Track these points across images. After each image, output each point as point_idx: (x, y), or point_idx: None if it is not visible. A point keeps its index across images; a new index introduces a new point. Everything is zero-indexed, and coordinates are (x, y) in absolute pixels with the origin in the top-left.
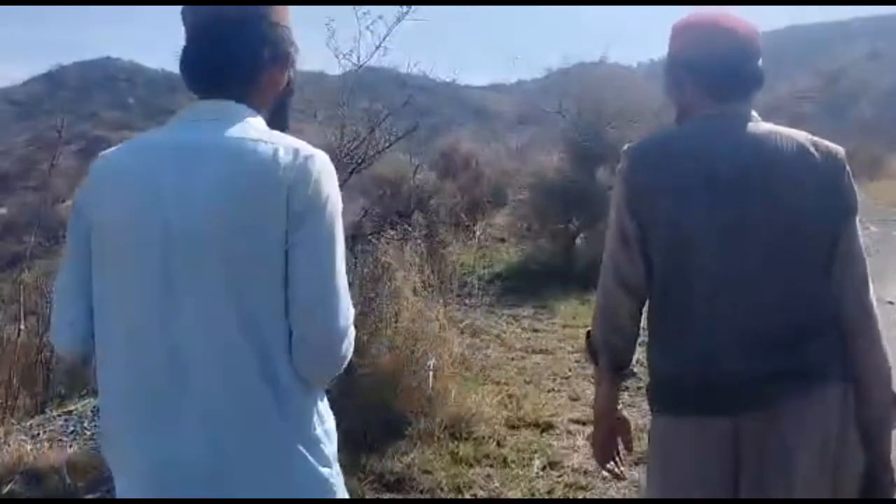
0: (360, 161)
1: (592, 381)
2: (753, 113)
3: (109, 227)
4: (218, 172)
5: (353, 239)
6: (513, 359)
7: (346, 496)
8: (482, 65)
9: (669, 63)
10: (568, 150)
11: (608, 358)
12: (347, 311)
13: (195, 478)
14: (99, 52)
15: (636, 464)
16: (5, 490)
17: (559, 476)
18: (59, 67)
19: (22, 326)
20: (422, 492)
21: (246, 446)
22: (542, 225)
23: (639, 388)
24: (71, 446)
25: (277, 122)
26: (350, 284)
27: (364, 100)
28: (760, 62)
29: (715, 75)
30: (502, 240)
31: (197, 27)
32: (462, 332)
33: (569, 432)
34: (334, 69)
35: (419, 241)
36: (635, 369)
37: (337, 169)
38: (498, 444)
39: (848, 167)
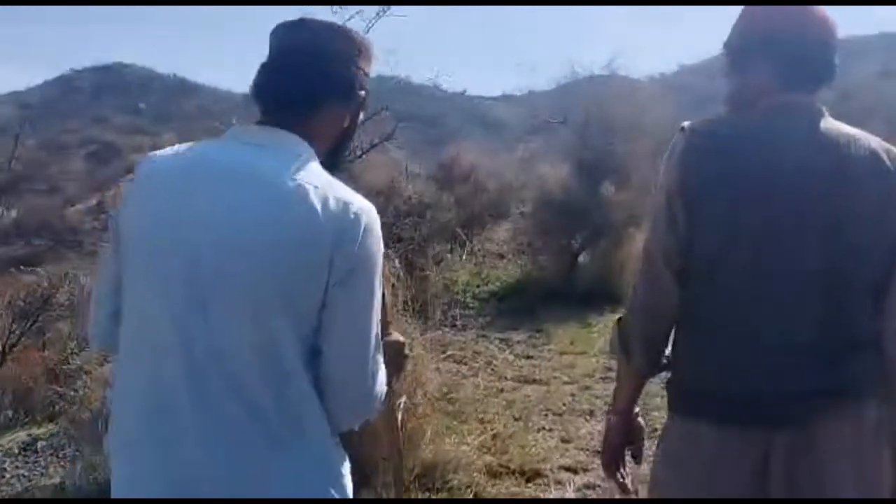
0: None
1: (589, 416)
2: (823, 108)
3: (141, 234)
4: (260, 207)
5: None
6: (502, 390)
7: None
8: (494, 76)
9: (738, 41)
10: (572, 163)
11: (645, 354)
12: (378, 366)
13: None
14: (112, 58)
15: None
16: None
17: None
18: (72, 72)
19: None
20: None
21: (268, 479)
22: (542, 241)
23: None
24: None
25: (332, 162)
26: None
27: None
28: (837, 59)
29: (794, 57)
30: (501, 255)
31: (276, 51)
32: (447, 359)
33: (557, 482)
34: None
35: (396, 258)
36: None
37: None
38: (475, 495)
39: None
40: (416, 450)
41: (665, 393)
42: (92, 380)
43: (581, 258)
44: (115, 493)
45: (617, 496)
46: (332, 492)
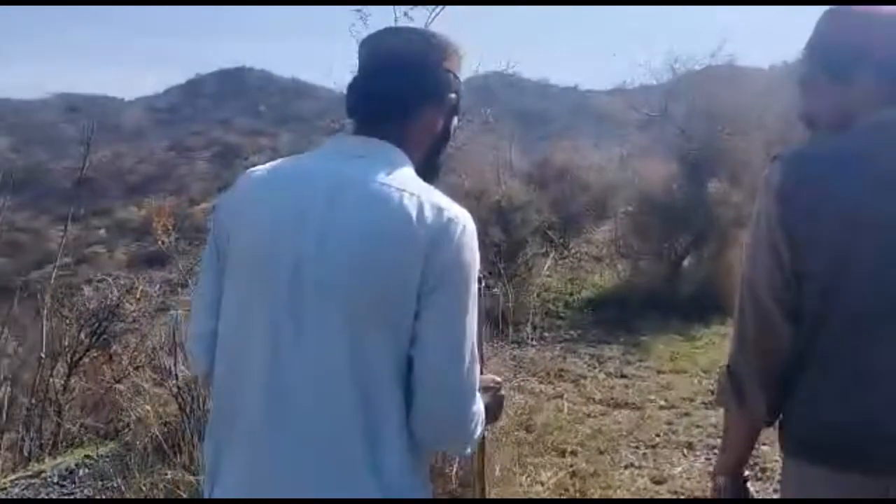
0: None
1: (687, 449)
2: None
3: (243, 248)
4: (358, 216)
5: None
6: (588, 415)
7: None
8: (604, 69)
9: (839, 45)
10: (677, 160)
11: (763, 398)
12: (474, 385)
13: None
14: (233, 63)
15: None
16: None
17: None
18: (197, 77)
19: None
20: None
21: None
22: (642, 244)
23: None
24: None
25: (428, 168)
26: None
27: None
28: None
29: None
30: (599, 259)
31: (366, 61)
32: (529, 378)
33: None
34: None
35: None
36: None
37: None
38: None
39: None
40: (481, 489)
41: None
42: (148, 400)
43: (685, 263)
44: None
45: None
46: None
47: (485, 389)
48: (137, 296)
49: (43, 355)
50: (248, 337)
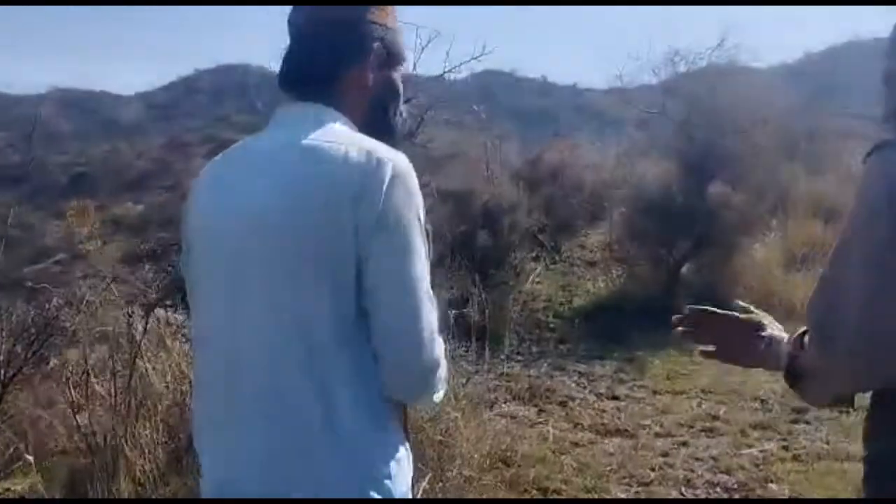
0: None
1: (685, 486)
2: None
3: (192, 238)
4: (285, 178)
5: None
6: (577, 444)
7: None
8: (602, 68)
9: None
10: (673, 160)
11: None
12: (431, 328)
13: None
14: (231, 59)
15: None
16: None
17: None
18: (196, 73)
19: None
20: None
21: (298, 482)
22: (638, 250)
23: None
24: None
25: (379, 126)
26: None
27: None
28: None
29: None
30: (593, 264)
31: (291, 29)
32: (512, 401)
33: None
34: None
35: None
36: None
37: None
38: None
39: None
40: None
41: None
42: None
43: (684, 269)
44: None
45: None
46: (372, 493)
47: None
48: (81, 307)
49: None
50: (210, 316)
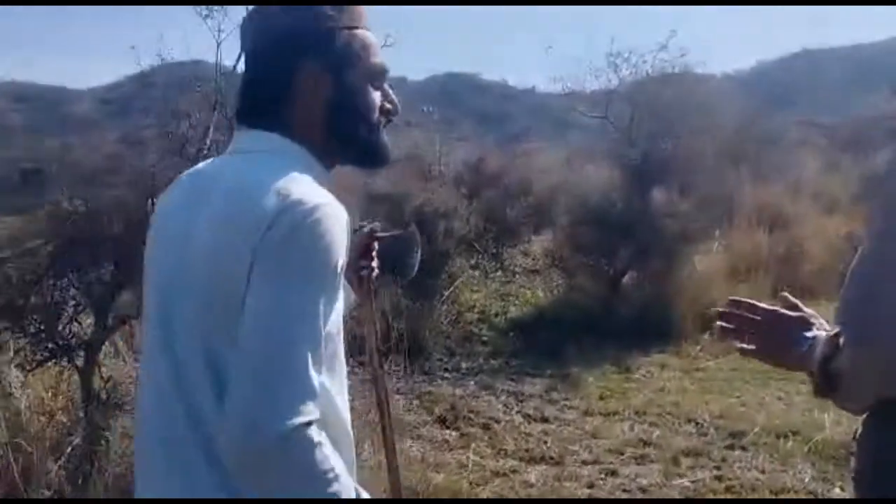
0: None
1: None
2: None
3: (145, 263)
4: (213, 213)
5: None
6: (497, 473)
7: None
8: (557, 69)
9: None
10: (618, 166)
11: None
12: (291, 401)
13: None
14: (189, 55)
15: None
16: None
17: None
18: (151, 68)
19: None
20: None
21: None
22: (577, 259)
23: None
24: None
25: (344, 142)
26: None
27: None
28: None
29: None
30: (535, 272)
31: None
32: (431, 423)
33: None
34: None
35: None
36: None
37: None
38: None
39: None
40: None
41: None
42: None
43: (626, 279)
44: None
45: None
46: None
47: None
48: None
49: None
50: (143, 360)
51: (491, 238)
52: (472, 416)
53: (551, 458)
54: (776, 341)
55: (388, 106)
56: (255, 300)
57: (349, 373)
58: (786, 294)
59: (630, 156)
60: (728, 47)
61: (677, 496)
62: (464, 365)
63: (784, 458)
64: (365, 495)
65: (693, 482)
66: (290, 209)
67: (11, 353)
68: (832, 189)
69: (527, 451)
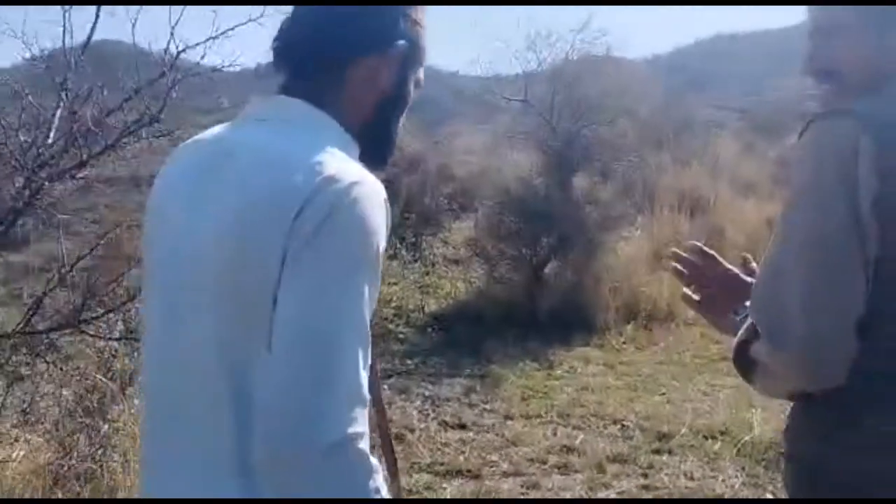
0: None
1: None
2: None
3: (143, 242)
4: (230, 190)
5: None
6: (409, 491)
7: None
8: (482, 54)
9: None
10: (540, 152)
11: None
12: (341, 408)
13: None
14: (100, 35)
15: None
16: None
17: None
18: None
19: None
20: None
21: None
22: (499, 249)
23: None
24: None
25: (379, 133)
26: None
27: None
28: None
29: None
30: (457, 262)
31: (294, 6)
32: None
33: None
34: None
35: None
36: None
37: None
38: None
39: None
40: None
41: None
42: None
43: (548, 268)
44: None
45: None
46: None
47: None
48: None
49: None
50: (147, 331)
51: (410, 227)
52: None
53: (469, 471)
54: (719, 303)
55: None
56: (293, 295)
57: None
58: (747, 255)
59: (551, 141)
60: (647, 32)
61: None
62: (377, 366)
63: (713, 461)
64: None
65: (619, 493)
66: (325, 188)
67: None
68: (749, 172)
69: (443, 464)
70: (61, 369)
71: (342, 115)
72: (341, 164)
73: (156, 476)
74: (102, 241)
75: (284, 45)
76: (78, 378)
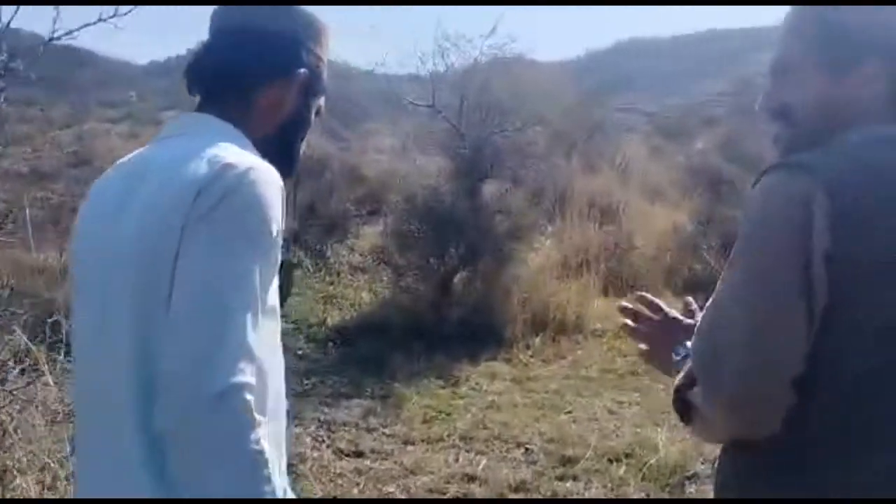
0: None
1: None
2: None
3: (70, 261)
4: (146, 196)
5: None
6: None
7: None
8: (391, 55)
9: (836, 36)
10: (448, 158)
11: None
12: (229, 361)
13: None
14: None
15: None
16: None
17: None
18: None
19: None
20: None
21: None
22: (408, 257)
23: None
24: None
25: (280, 153)
26: None
27: None
28: None
29: None
30: (364, 270)
31: (210, 34)
32: None
33: None
34: None
35: None
36: None
37: None
38: None
39: None
40: None
41: None
42: None
43: (457, 279)
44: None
45: None
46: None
47: None
48: None
49: None
50: (76, 341)
51: (315, 233)
52: None
53: None
54: (663, 347)
55: None
56: (188, 264)
57: None
58: (689, 299)
59: (459, 148)
60: (560, 35)
61: None
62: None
63: (617, 487)
64: (291, 495)
65: None
66: (221, 174)
67: None
68: (657, 177)
69: (335, 497)
70: None
71: (248, 133)
72: (238, 154)
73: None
74: None
75: (197, 70)
76: None
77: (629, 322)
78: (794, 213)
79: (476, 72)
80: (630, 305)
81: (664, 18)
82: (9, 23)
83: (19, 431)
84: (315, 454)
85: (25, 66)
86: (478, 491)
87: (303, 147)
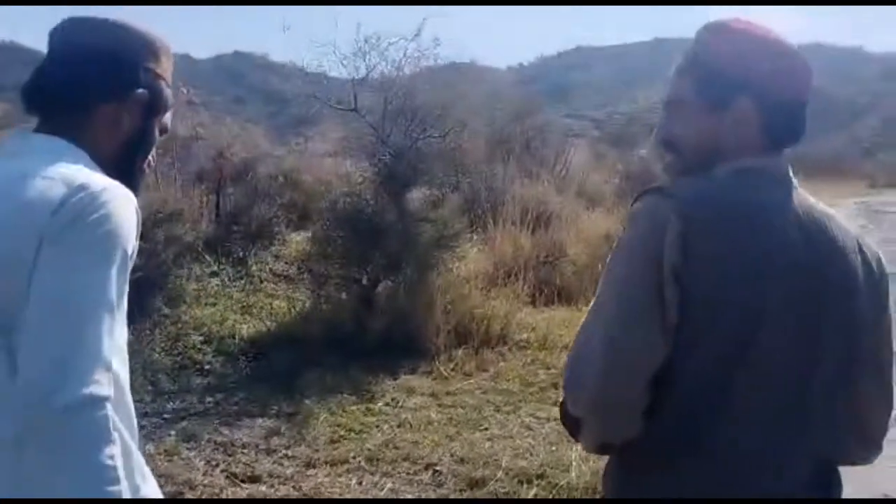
0: None
1: None
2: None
3: None
4: None
5: None
6: None
7: None
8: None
9: (713, 74)
10: (370, 164)
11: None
12: (83, 372)
13: None
14: None
15: None
16: None
17: None
18: None
19: None
20: None
21: None
22: (330, 265)
23: None
24: None
25: (123, 171)
26: None
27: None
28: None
29: (788, 114)
30: (288, 278)
31: (49, 52)
32: None
33: None
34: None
35: None
36: None
37: None
38: None
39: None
40: None
41: None
42: None
43: (379, 290)
44: None
45: None
46: None
47: None
48: None
49: None
50: None
51: (237, 240)
52: (160, 481)
53: None
54: None
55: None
56: (44, 278)
57: None
58: None
59: (382, 154)
60: (511, 42)
61: None
62: (170, 406)
63: None
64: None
65: None
66: (75, 193)
67: None
68: (597, 184)
69: None
70: None
71: (89, 152)
72: (90, 175)
73: None
74: None
75: (34, 90)
76: None
77: None
78: (652, 234)
79: (400, 77)
80: None
81: (612, 26)
82: None
83: None
84: (206, 480)
85: None
86: None
87: (148, 165)
